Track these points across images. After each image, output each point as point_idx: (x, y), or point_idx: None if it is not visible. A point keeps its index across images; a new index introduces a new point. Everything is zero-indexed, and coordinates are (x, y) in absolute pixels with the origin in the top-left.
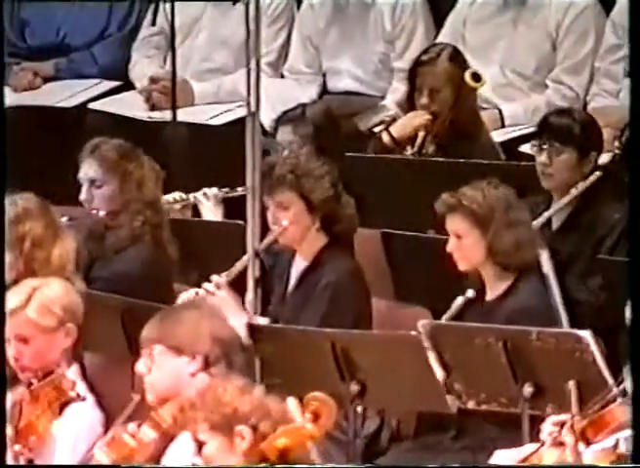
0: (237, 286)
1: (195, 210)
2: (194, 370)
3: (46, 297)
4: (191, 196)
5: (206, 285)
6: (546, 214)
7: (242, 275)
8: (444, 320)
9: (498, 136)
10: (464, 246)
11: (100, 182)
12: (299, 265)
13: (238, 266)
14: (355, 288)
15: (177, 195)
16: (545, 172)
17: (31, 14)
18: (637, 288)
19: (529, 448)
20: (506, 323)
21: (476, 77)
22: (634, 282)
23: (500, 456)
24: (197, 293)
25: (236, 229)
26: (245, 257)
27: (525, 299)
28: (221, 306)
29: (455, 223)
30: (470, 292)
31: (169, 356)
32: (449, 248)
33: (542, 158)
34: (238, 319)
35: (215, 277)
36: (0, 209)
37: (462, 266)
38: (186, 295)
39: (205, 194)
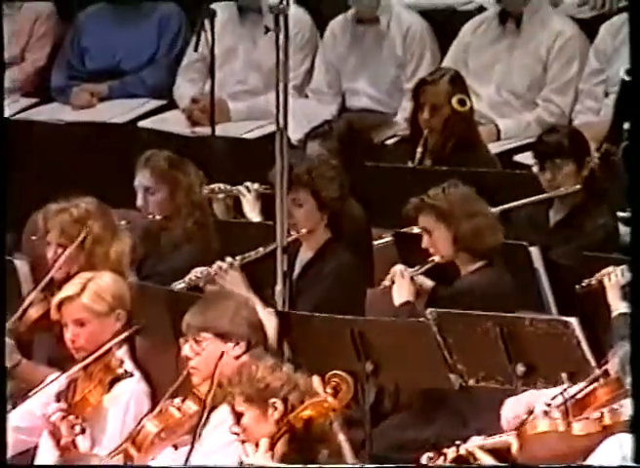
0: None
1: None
2: (238, 353)
3: (98, 287)
4: (234, 188)
5: (219, 263)
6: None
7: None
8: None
9: (494, 148)
10: (435, 240)
11: (153, 190)
12: (303, 256)
13: (253, 255)
14: (351, 279)
15: (221, 185)
16: (552, 185)
17: (90, 42)
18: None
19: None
20: (450, 301)
21: (462, 102)
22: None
23: (507, 406)
24: (210, 271)
25: (265, 227)
26: (261, 249)
27: (474, 281)
28: (232, 285)
29: (423, 221)
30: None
31: (216, 343)
32: (423, 244)
33: (547, 175)
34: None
35: (229, 258)
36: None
37: (438, 259)
38: (200, 270)
39: (247, 187)
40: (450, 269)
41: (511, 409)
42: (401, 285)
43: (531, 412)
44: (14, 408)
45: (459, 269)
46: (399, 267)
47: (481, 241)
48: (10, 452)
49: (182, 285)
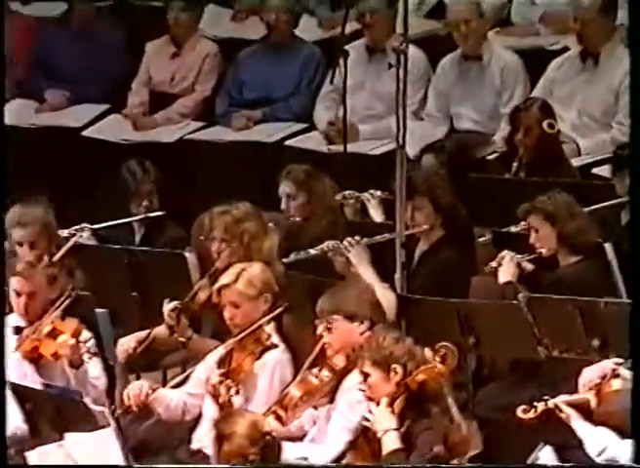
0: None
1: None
2: (363, 330)
3: (249, 275)
4: (362, 195)
5: (349, 238)
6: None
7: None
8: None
9: (575, 162)
10: (541, 236)
11: (294, 196)
12: (420, 249)
13: (378, 238)
14: (458, 269)
15: (350, 192)
16: (624, 191)
17: (247, 76)
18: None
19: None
20: (553, 285)
21: (551, 125)
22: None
23: (585, 372)
24: (340, 245)
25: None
26: (378, 237)
27: (574, 271)
28: (356, 258)
29: (532, 221)
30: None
31: (345, 322)
32: (530, 240)
33: (621, 183)
34: (365, 269)
35: (357, 237)
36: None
37: (544, 252)
38: (332, 243)
39: (372, 194)
40: (549, 260)
41: (589, 375)
42: (508, 267)
43: (604, 377)
44: (183, 372)
45: (558, 261)
46: (507, 253)
47: (581, 238)
48: (187, 416)
49: (316, 251)
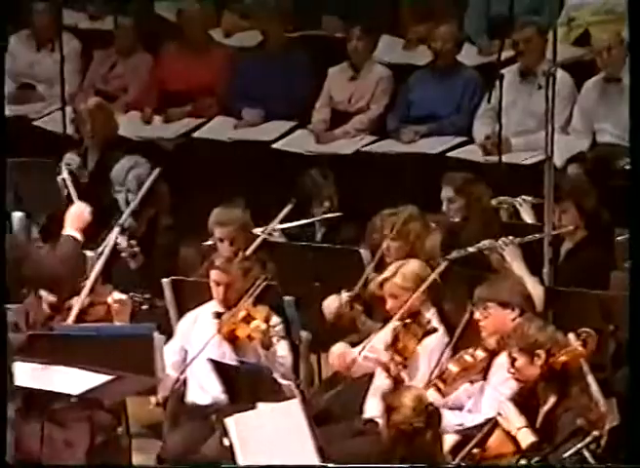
0: None
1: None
2: (514, 317)
3: (406, 270)
4: (515, 200)
5: (504, 238)
6: None
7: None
8: None
9: None
10: None
11: (453, 200)
12: (566, 247)
13: (530, 237)
14: (600, 264)
15: (505, 197)
16: None
17: (415, 96)
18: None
19: None
20: None
21: None
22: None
23: None
24: (495, 244)
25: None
26: (529, 236)
27: None
28: (510, 256)
29: None
30: None
31: (499, 309)
32: None
33: None
34: (518, 264)
35: (510, 237)
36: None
37: None
38: (488, 241)
39: (524, 199)
40: None
41: None
42: None
43: None
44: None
45: None
46: None
47: None
48: (357, 374)
49: (474, 249)
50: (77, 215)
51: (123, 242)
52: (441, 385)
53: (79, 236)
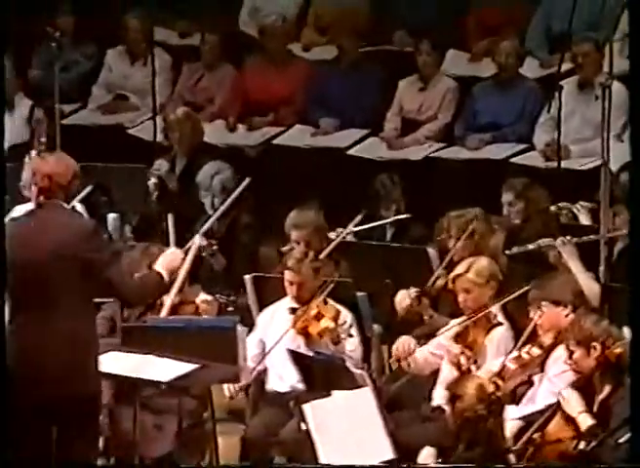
0: None
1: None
2: (567, 313)
3: (478, 266)
4: (573, 205)
5: (562, 238)
6: None
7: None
8: None
9: None
10: None
11: (513, 204)
12: (618, 247)
13: (585, 238)
14: None
15: (563, 203)
16: None
17: (480, 106)
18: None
19: None
20: None
21: None
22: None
23: None
24: (553, 243)
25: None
26: (585, 237)
27: None
28: (567, 254)
29: None
30: None
31: (552, 307)
32: None
33: None
34: (575, 263)
35: (567, 237)
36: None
37: None
38: (547, 239)
39: (581, 204)
40: None
41: None
42: None
43: None
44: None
45: None
46: None
47: None
48: (426, 371)
49: (533, 246)
50: (170, 260)
51: (203, 241)
52: (499, 382)
53: (165, 275)
